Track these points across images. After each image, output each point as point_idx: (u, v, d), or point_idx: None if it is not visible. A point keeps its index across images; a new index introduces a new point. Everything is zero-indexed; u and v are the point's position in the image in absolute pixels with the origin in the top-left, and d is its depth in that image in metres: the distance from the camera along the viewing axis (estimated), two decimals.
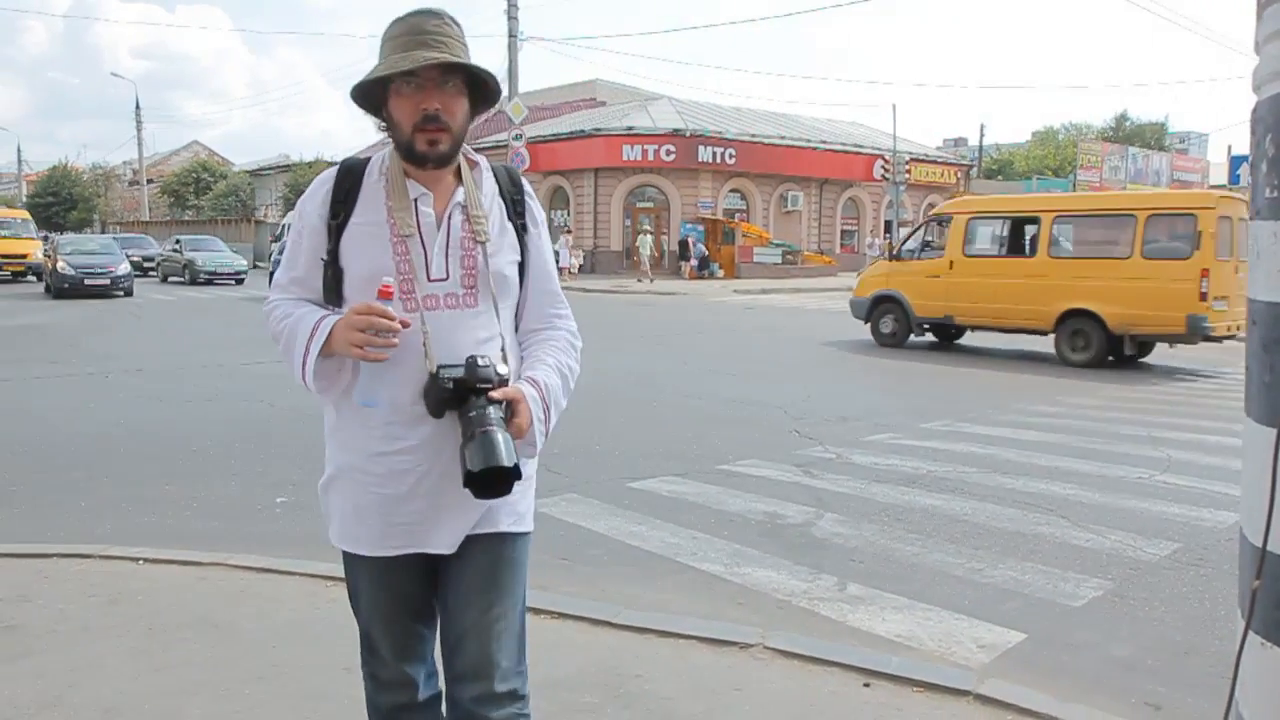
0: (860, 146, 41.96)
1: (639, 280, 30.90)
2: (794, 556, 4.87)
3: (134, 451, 7.27)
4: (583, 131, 36.98)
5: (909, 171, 37.46)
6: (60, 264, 24.28)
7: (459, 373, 1.83)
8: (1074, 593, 4.45)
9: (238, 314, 19.89)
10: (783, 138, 39.24)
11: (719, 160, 36.21)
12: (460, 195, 1.98)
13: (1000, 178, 61.39)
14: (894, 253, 15.55)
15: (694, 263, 34.05)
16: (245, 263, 32.63)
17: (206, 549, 4.73)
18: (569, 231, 36.41)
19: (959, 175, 46.64)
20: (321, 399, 2.02)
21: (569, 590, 4.35)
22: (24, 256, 29.78)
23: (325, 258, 1.97)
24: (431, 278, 1.93)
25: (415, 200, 1.95)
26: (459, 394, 1.82)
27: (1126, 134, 61.64)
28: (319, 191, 2.01)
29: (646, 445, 7.51)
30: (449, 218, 1.96)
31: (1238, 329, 12.33)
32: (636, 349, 14.37)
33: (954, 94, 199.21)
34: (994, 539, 5.21)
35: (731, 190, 37.54)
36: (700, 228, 35.76)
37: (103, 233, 52.88)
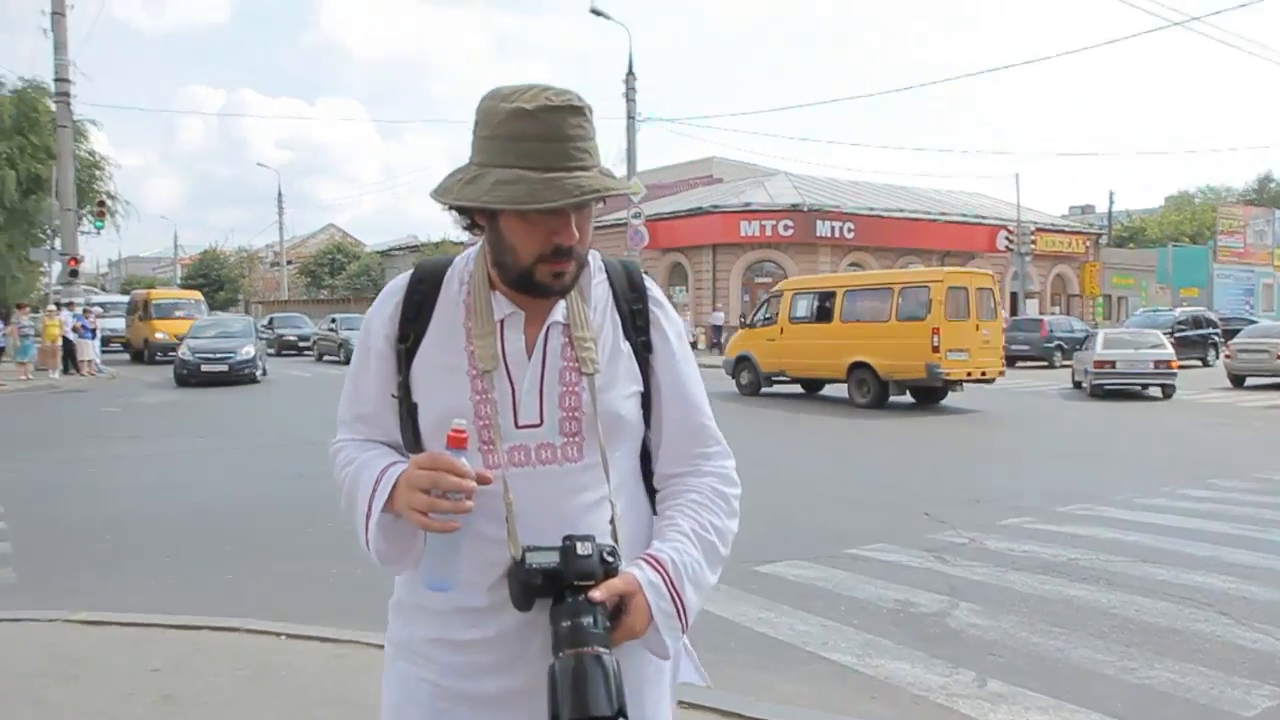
0: (982, 217, 41.30)
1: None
2: (929, 648, 4.71)
3: (277, 527, 7.57)
4: (700, 208, 37.45)
5: (1034, 241, 36.64)
6: (182, 349, 22.50)
7: (551, 561, 1.40)
8: (1244, 700, 4.13)
9: None
10: (902, 210, 38.95)
11: (837, 234, 36.12)
12: (560, 311, 1.54)
13: (1132, 245, 59.45)
14: (748, 322, 20.13)
15: None
16: None
17: (343, 625, 4.85)
18: (688, 308, 36.70)
19: (1087, 244, 45.40)
20: (388, 571, 1.59)
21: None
22: None
23: (396, 393, 1.57)
24: (520, 423, 1.50)
25: (501, 322, 1.52)
26: (552, 588, 1.41)
27: (1272, 196, 58.99)
28: (387, 305, 1.60)
29: (770, 527, 7.41)
30: (544, 342, 1.53)
31: (981, 374, 16.52)
32: (753, 427, 14.27)
33: (1080, 160, 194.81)
34: (1147, 635, 4.93)
35: (851, 264, 37.30)
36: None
37: (246, 312, 55.78)
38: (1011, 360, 28.84)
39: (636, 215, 29.02)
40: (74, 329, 23.68)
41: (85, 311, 25.09)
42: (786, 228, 35.56)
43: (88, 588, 5.78)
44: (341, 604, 5.51)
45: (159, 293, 35.13)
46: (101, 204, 33.04)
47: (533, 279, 1.47)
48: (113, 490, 8.97)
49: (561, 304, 1.54)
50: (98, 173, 35.46)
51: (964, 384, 16.72)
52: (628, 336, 1.60)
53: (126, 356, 30.88)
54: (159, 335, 29.31)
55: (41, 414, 16.08)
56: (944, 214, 40.17)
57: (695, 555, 1.52)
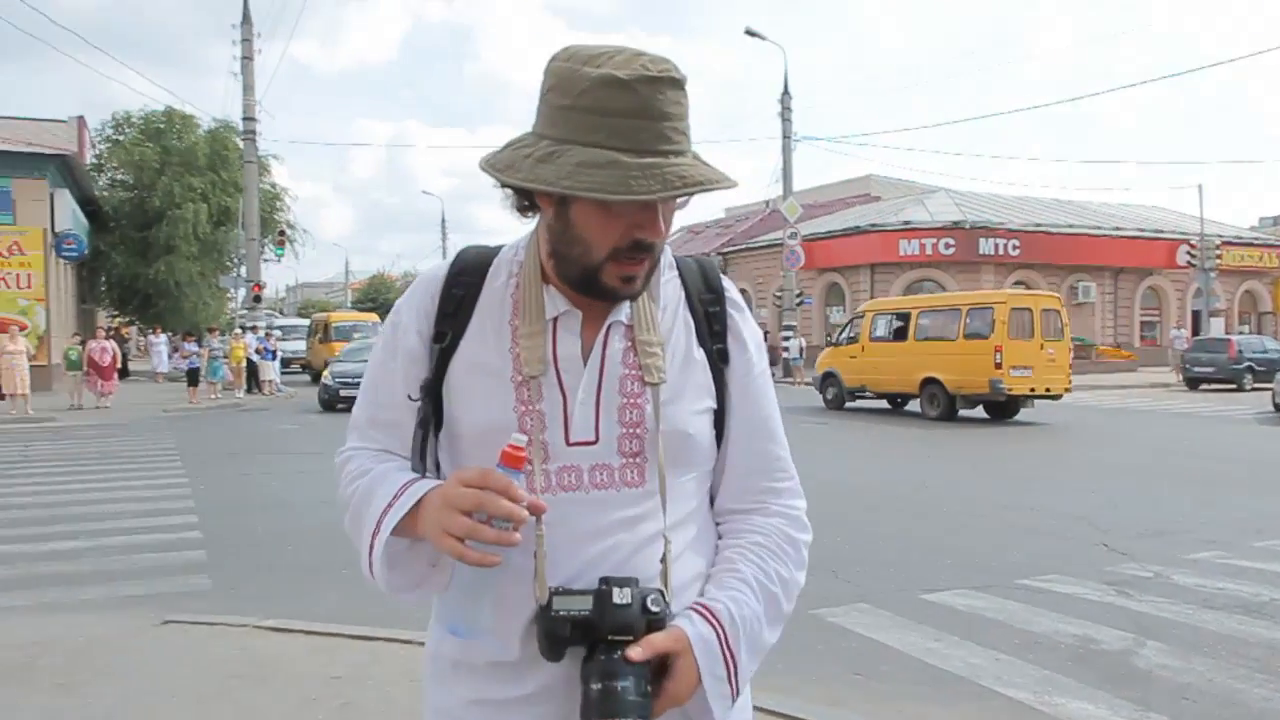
0: (1160, 231, 39.11)
1: None
2: (1114, 688, 4.44)
3: None
4: (858, 227, 36.85)
5: (1219, 256, 34.38)
6: (325, 375, 22.33)
7: (583, 609, 1.20)
8: None
9: None
10: (1071, 226, 37.28)
11: (1002, 252, 34.87)
12: (624, 311, 1.33)
13: None
14: (833, 340, 21.51)
15: None
16: None
17: None
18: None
19: None
20: (398, 598, 1.37)
21: (864, 709, 4.20)
22: None
23: (419, 396, 1.34)
24: (572, 440, 1.29)
25: (554, 321, 1.32)
26: (584, 639, 1.21)
27: None
28: (422, 297, 1.39)
29: (936, 554, 7.17)
30: (604, 345, 1.31)
31: (1046, 390, 17.63)
32: (916, 450, 13.88)
33: (1272, 168, 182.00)
34: None
35: (1016, 282, 35.91)
36: None
37: None
38: (1195, 383, 27.30)
39: (793, 235, 28.81)
40: (256, 351, 25.19)
41: (267, 334, 26.70)
42: (947, 246, 34.58)
43: (274, 595, 6.11)
44: None
45: (339, 315, 36.99)
46: (282, 233, 35.20)
47: (598, 279, 1.25)
48: (296, 503, 9.45)
49: (626, 302, 1.32)
50: (278, 204, 37.84)
51: (1034, 400, 17.94)
52: (701, 343, 1.38)
53: (307, 378, 32.53)
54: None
55: (229, 430, 17.14)
56: (1118, 229, 38.23)
57: (755, 609, 1.30)
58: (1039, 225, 36.46)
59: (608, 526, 1.27)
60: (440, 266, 1.41)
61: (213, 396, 23.35)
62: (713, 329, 1.40)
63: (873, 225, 36.44)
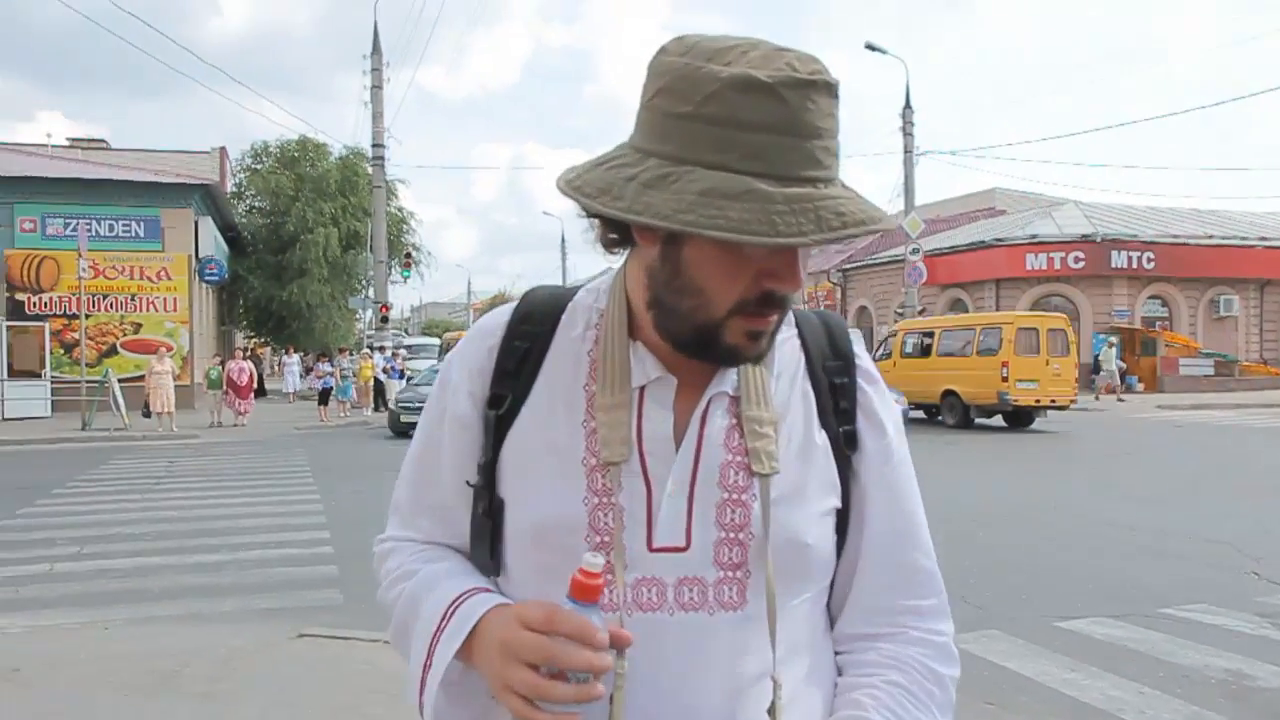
0: None
1: (1097, 398, 27.88)
2: None
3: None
4: (982, 242, 35.87)
5: None
6: (391, 400, 21.96)
7: None
8: None
9: None
10: (1210, 237, 35.45)
11: (1135, 265, 33.40)
12: (729, 380, 1.08)
13: None
14: (873, 357, 22.65)
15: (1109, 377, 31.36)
16: None
17: None
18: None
19: None
20: None
21: None
22: None
23: (476, 481, 1.11)
24: (656, 545, 1.04)
25: (641, 390, 1.07)
26: None
27: None
28: (477, 350, 1.15)
29: (1070, 579, 6.88)
30: (702, 423, 1.07)
31: (1051, 401, 19.50)
32: (1046, 470, 13.37)
33: None
34: None
35: (1151, 297, 34.38)
36: (1116, 338, 33.03)
37: None
38: None
39: (915, 251, 28.25)
40: (384, 370, 25.99)
41: (394, 354, 27.53)
42: (1077, 260, 33.31)
43: None
44: None
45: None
46: (408, 255, 36.28)
47: (718, 338, 0.99)
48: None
49: (733, 369, 1.07)
50: (405, 227, 39.08)
51: (1046, 410, 19.77)
52: (825, 424, 1.11)
53: None
54: None
55: (357, 447, 17.70)
56: (1264, 239, 36.21)
57: None
58: (1175, 237, 34.79)
59: (699, 662, 1.01)
60: (501, 312, 1.16)
61: (342, 415, 24.16)
62: (839, 405, 1.13)
63: (998, 240, 35.40)
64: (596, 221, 1.04)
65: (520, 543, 1.08)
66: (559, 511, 1.04)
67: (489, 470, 1.10)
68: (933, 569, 1.15)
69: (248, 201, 38.49)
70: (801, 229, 0.88)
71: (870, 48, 28.28)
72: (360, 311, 33.88)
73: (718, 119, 0.90)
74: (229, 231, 33.11)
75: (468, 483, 1.12)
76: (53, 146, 36.93)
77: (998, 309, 34.86)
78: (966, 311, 36.50)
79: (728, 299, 0.97)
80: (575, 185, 0.98)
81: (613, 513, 1.03)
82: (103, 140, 40.91)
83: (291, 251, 35.25)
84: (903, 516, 1.14)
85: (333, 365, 25.67)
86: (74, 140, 40.54)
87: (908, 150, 29.41)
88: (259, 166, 38.02)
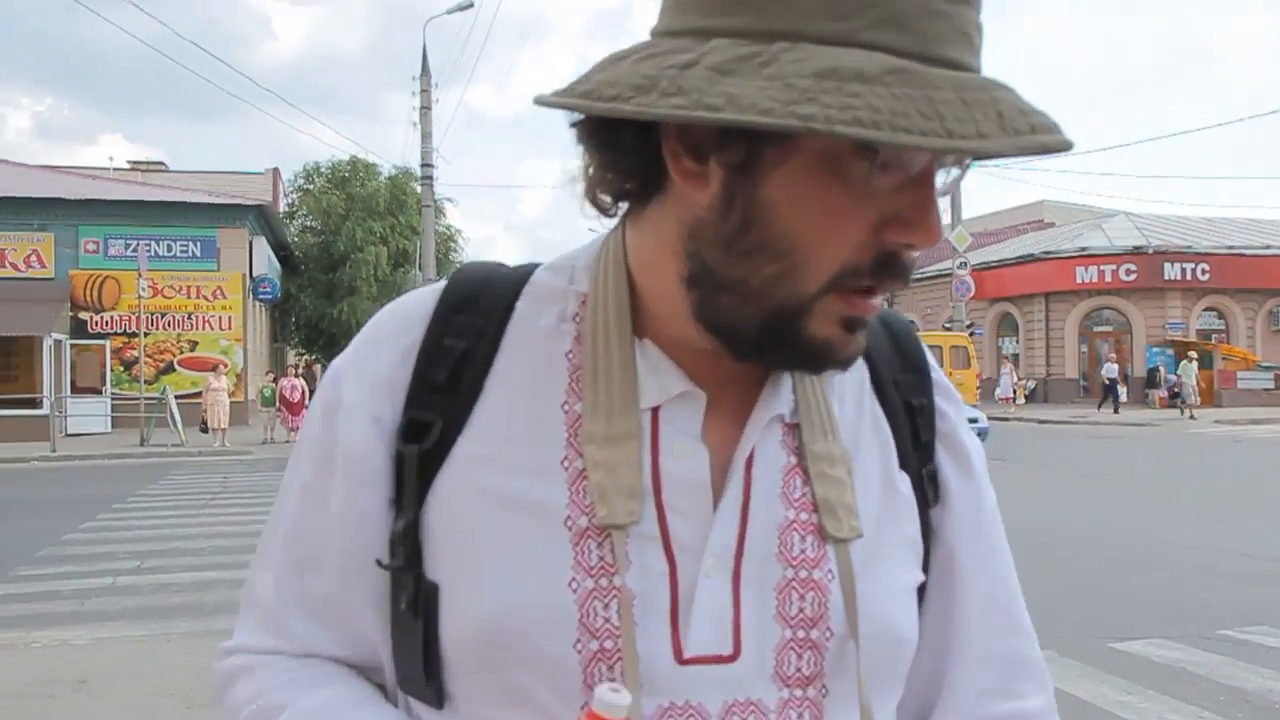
0: None
1: (1183, 414, 27.11)
2: None
3: None
4: (1031, 255, 35.48)
5: None
6: None
7: None
8: None
9: None
10: (1268, 247, 34.75)
11: (1189, 277, 32.82)
12: (785, 398, 0.76)
13: None
14: None
15: (1163, 391, 30.80)
16: None
17: None
18: (1012, 360, 34.79)
19: None
20: None
21: None
22: None
23: (391, 558, 0.74)
24: (688, 655, 0.70)
25: (656, 414, 0.74)
26: None
27: None
28: (386, 349, 0.79)
29: (1126, 599, 6.78)
30: (750, 463, 0.75)
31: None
32: (1101, 486, 13.17)
33: None
34: None
35: (1206, 309, 33.75)
36: (1169, 352, 32.44)
37: None
38: None
39: (962, 265, 28.00)
40: None
41: None
42: (1129, 272, 32.80)
43: None
44: None
45: None
46: None
47: (801, 329, 0.67)
48: None
49: (785, 381, 0.76)
50: (453, 245, 39.52)
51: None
52: (905, 464, 0.81)
53: None
54: None
55: None
56: None
57: None
58: (1231, 248, 34.14)
59: None
60: (421, 298, 0.80)
61: None
62: (919, 437, 0.83)
63: (1046, 253, 34.99)
64: (596, 164, 0.71)
65: (468, 654, 0.71)
66: (529, 603, 0.69)
67: (409, 539, 0.73)
68: (1040, 659, 0.87)
69: (300, 221, 39.18)
70: (982, 130, 0.57)
71: None
72: None
73: None
74: (281, 250, 33.71)
75: (378, 562, 0.74)
76: (114, 170, 37.98)
77: (1047, 323, 34.54)
78: (1016, 327, 36.13)
79: (831, 261, 0.64)
80: (581, 92, 0.64)
81: (617, 603, 0.68)
82: (161, 163, 41.96)
83: (342, 270, 35.80)
84: (1004, 589, 0.85)
85: None
86: (134, 163, 41.62)
87: None
88: (310, 187, 38.71)
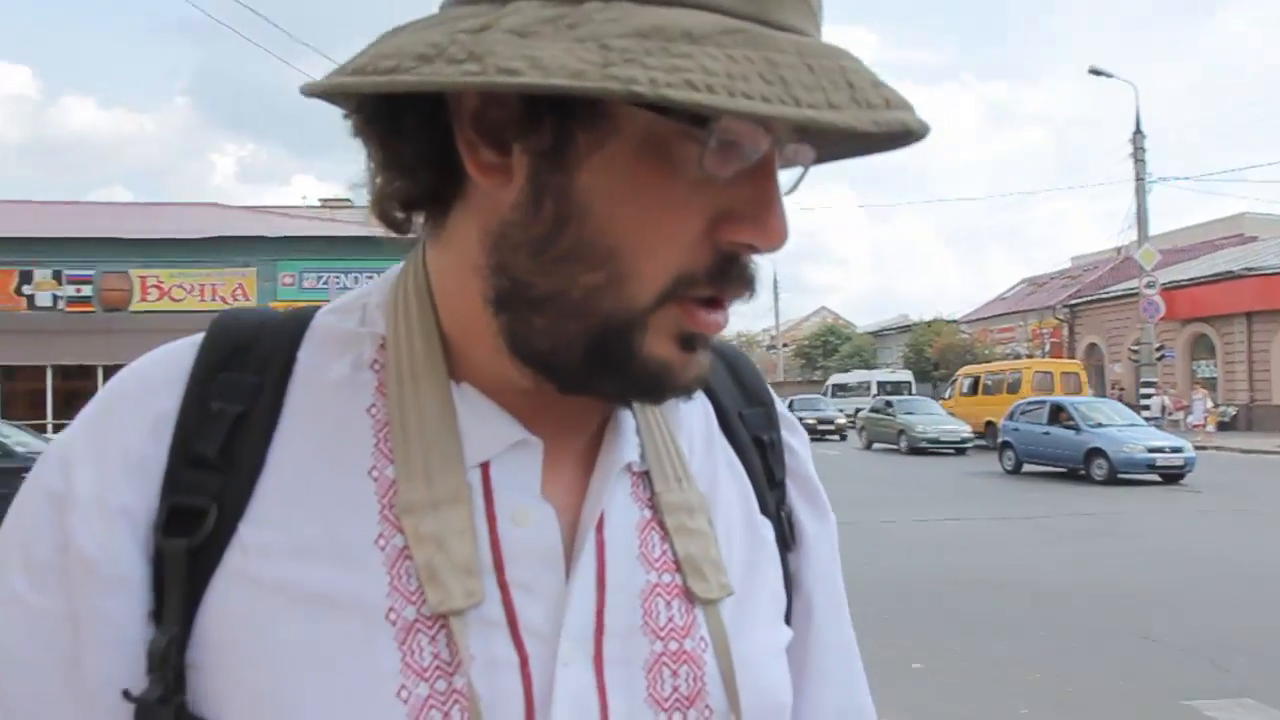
0: None
1: None
2: None
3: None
4: (1230, 272, 33.15)
5: None
6: None
7: None
8: None
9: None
10: None
11: None
12: (628, 440, 0.67)
13: None
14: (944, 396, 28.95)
15: None
16: (967, 429, 25.24)
17: None
18: (1205, 385, 32.53)
19: None
20: None
21: None
22: None
23: (146, 686, 0.57)
24: None
25: (486, 470, 0.62)
26: None
27: None
28: (132, 421, 0.62)
29: (1194, 647, 6.24)
30: (601, 527, 0.64)
31: None
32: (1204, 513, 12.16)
33: None
34: None
35: None
36: None
37: None
38: None
39: (1150, 284, 26.54)
40: None
41: None
42: None
43: None
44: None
45: None
46: None
47: (633, 349, 0.58)
48: None
49: (629, 423, 0.68)
50: None
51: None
52: (764, 505, 0.74)
53: None
54: None
55: None
56: None
57: None
58: None
59: None
60: (174, 354, 0.65)
61: None
62: (772, 475, 0.76)
63: (1248, 269, 32.61)
64: (380, 165, 0.60)
65: None
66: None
67: (172, 660, 0.58)
68: (871, 706, 0.82)
69: None
70: (833, 99, 0.49)
71: (1095, 72, 27.07)
72: None
73: None
74: None
75: (126, 694, 0.57)
76: (307, 207, 40.69)
77: (1250, 344, 32.15)
78: (1213, 349, 33.84)
79: (663, 266, 0.56)
80: (353, 69, 0.53)
81: (459, 710, 0.57)
82: (348, 200, 44.45)
83: None
84: (850, 635, 0.81)
85: None
86: (324, 200, 44.44)
87: (1140, 178, 27.80)
88: None
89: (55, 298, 22.88)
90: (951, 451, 24.58)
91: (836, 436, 31.72)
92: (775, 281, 63.87)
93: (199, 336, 0.66)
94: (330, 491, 0.60)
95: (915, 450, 24.77)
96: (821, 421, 32.04)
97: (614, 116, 0.53)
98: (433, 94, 0.55)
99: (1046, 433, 18.41)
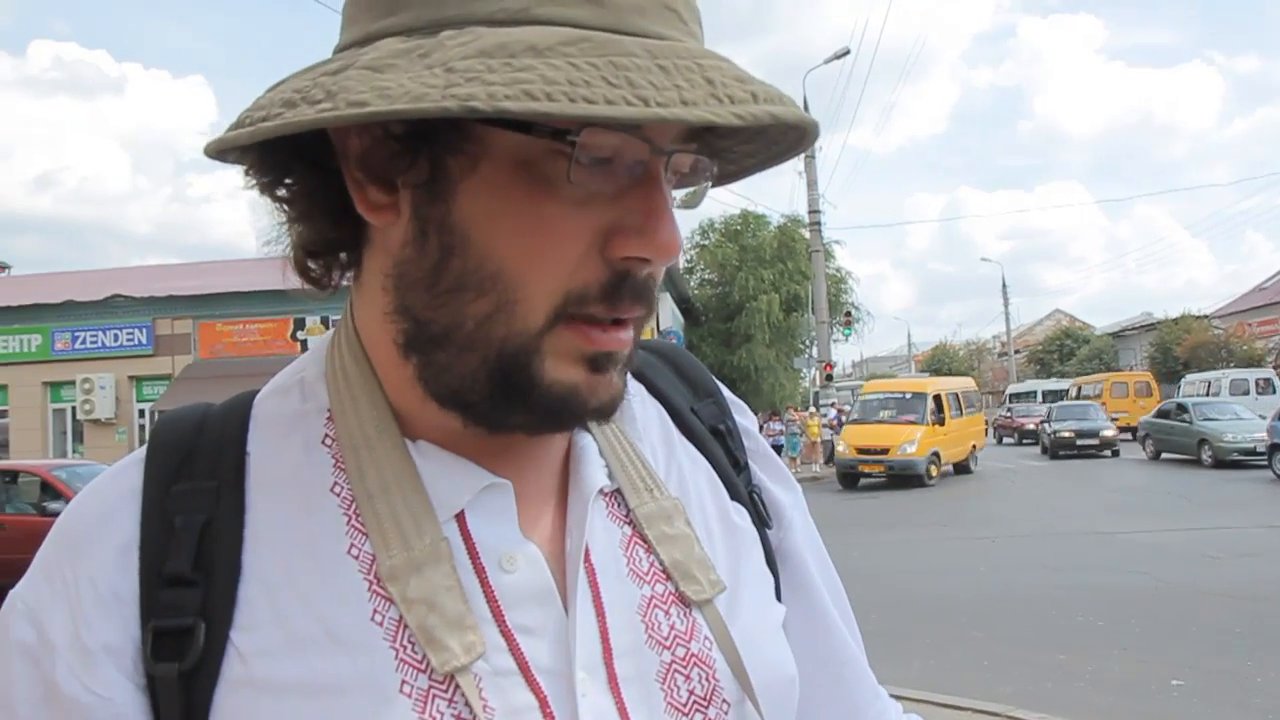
0: None
1: None
2: None
3: (1024, 616, 7.81)
4: None
5: None
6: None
7: None
8: None
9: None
10: None
11: None
12: (597, 464, 0.70)
13: None
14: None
15: None
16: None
17: None
18: None
19: None
20: None
21: None
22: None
23: None
24: None
25: (462, 520, 0.63)
26: None
27: None
28: (96, 557, 0.61)
29: None
30: (588, 555, 0.66)
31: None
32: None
33: None
34: None
35: None
36: None
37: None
38: None
39: None
40: (828, 425, 26.74)
41: (840, 410, 28.26)
42: None
43: None
44: (1099, 701, 5.56)
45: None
46: (848, 314, 37.16)
47: (534, 375, 0.59)
48: (867, 573, 10.03)
49: (591, 447, 0.70)
50: (843, 286, 40.10)
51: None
52: (734, 492, 0.77)
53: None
54: None
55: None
56: None
57: None
58: None
59: None
60: (113, 479, 0.65)
61: (792, 470, 24.96)
62: (736, 461, 0.80)
63: None
64: (289, 221, 0.63)
65: None
66: None
67: None
68: (865, 661, 0.85)
69: (698, 275, 41.71)
70: (686, 96, 0.50)
71: None
72: (805, 370, 35.10)
73: None
74: (683, 304, 36.08)
75: None
76: None
77: None
78: None
79: (550, 288, 0.57)
80: (233, 124, 0.54)
81: None
82: None
83: (738, 319, 37.55)
84: (839, 604, 0.84)
85: (783, 424, 26.95)
86: None
87: None
88: (706, 242, 41.13)
89: None
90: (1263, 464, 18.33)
91: (1108, 452, 25.27)
92: (1005, 285, 61.18)
93: (140, 452, 0.65)
94: (314, 581, 0.60)
95: (1222, 463, 19.64)
96: (1082, 435, 25.42)
97: (481, 140, 0.55)
98: (318, 141, 0.57)
99: None
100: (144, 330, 24.80)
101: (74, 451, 23.75)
